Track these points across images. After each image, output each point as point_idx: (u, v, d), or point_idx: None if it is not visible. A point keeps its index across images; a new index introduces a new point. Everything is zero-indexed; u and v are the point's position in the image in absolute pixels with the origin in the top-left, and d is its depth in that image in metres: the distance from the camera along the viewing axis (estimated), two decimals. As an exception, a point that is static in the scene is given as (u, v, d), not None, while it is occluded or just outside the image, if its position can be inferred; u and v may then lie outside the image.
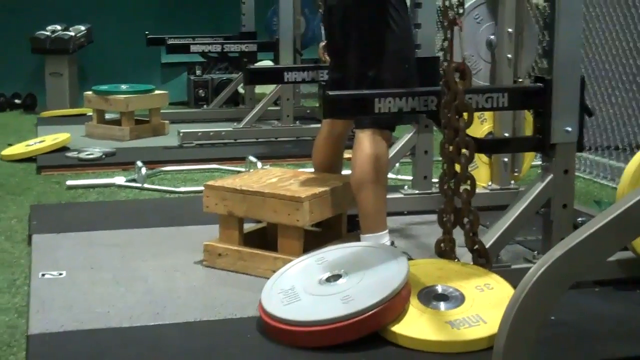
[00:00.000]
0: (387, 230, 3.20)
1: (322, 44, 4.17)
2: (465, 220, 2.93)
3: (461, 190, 2.96)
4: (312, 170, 3.75)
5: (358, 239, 3.26)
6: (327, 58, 3.78)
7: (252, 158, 5.07)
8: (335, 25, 3.35)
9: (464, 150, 2.90)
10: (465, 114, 2.92)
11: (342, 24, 3.29)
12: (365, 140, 3.19)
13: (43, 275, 3.23)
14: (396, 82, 3.14)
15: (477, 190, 4.07)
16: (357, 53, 3.24)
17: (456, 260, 2.98)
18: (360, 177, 3.17)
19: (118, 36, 7.86)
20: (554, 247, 2.10)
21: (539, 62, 4.24)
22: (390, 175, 4.51)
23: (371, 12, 3.19)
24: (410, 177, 4.22)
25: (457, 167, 2.95)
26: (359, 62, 3.23)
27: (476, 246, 2.92)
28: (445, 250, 2.98)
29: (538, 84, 3.09)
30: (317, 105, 4.11)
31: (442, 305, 2.70)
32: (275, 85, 6.33)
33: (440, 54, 3.07)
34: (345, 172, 3.53)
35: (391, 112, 2.97)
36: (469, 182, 2.94)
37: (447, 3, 2.93)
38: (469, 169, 4.13)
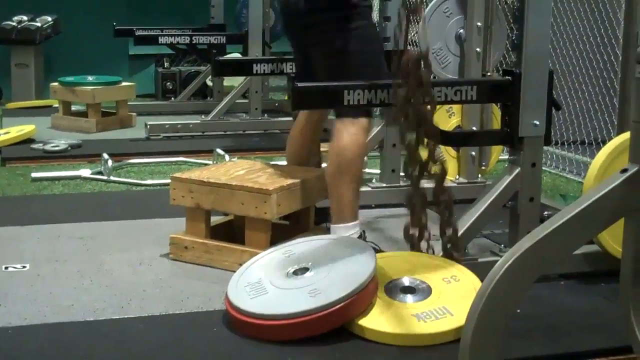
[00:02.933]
0: (358, 221, 3.20)
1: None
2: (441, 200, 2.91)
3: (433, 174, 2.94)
4: (282, 163, 3.73)
5: (326, 232, 3.25)
6: None
7: (219, 151, 5.05)
8: (294, 23, 3.33)
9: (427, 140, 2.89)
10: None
11: (302, 24, 3.27)
12: (343, 130, 3.16)
13: (6, 268, 3.19)
14: (366, 74, 3.11)
15: (447, 184, 4.11)
16: (322, 62, 3.22)
17: (428, 246, 2.96)
18: (336, 166, 3.15)
19: (85, 27, 7.78)
20: (522, 239, 2.11)
21: (508, 55, 4.26)
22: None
23: (334, 20, 3.17)
24: (379, 171, 4.21)
25: (423, 155, 2.93)
26: (325, 71, 3.20)
27: (449, 232, 2.91)
28: (414, 239, 2.96)
29: (507, 77, 3.09)
30: (286, 98, 4.09)
31: (408, 297, 2.69)
32: (243, 78, 6.30)
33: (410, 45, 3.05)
34: (324, 165, 3.51)
35: (360, 104, 2.95)
36: (439, 167, 2.92)
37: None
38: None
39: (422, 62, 2.86)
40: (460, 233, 3.02)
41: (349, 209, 3.16)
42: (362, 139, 3.18)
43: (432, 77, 3.03)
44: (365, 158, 4.56)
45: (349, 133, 3.15)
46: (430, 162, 2.92)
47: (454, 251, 2.90)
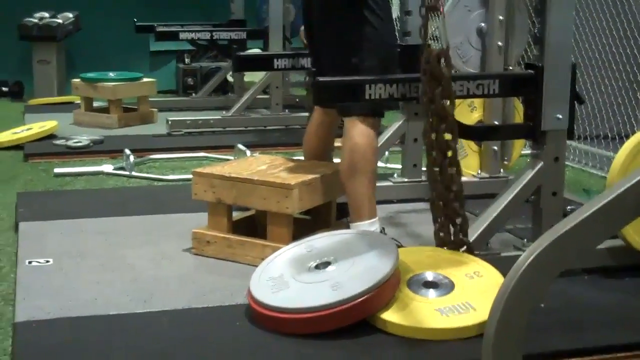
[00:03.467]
0: (377, 218, 3.20)
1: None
2: (452, 206, 2.91)
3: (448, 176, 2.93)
4: (302, 158, 3.73)
5: (347, 227, 3.26)
6: None
7: (240, 146, 5.05)
8: (312, 9, 3.33)
9: (448, 136, 2.88)
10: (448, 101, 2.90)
11: (319, 7, 3.27)
12: (353, 129, 3.18)
13: (30, 262, 3.21)
14: (379, 69, 3.11)
15: (467, 179, 4.11)
16: (336, 38, 3.22)
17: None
18: (349, 165, 3.17)
19: (106, 23, 7.82)
20: (544, 234, 2.10)
21: (530, 49, 4.24)
22: (379, 163, 4.50)
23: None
24: (400, 166, 4.21)
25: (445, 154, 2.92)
26: (340, 47, 3.21)
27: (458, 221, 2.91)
28: (445, 239, 2.95)
29: (529, 71, 3.08)
30: (306, 93, 4.10)
31: (431, 292, 2.69)
32: (264, 74, 6.30)
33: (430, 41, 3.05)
34: (336, 160, 3.51)
35: (382, 99, 2.95)
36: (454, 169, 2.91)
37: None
38: (460, 156, 4.16)
39: (442, 59, 2.85)
40: (482, 228, 3.02)
41: (366, 206, 3.17)
42: (372, 137, 3.19)
43: (453, 71, 3.02)
44: (387, 153, 4.58)
45: (359, 131, 3.16)
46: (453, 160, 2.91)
47: (464, 238, 2.88)
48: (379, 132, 3.34)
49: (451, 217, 2.91)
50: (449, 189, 2.90)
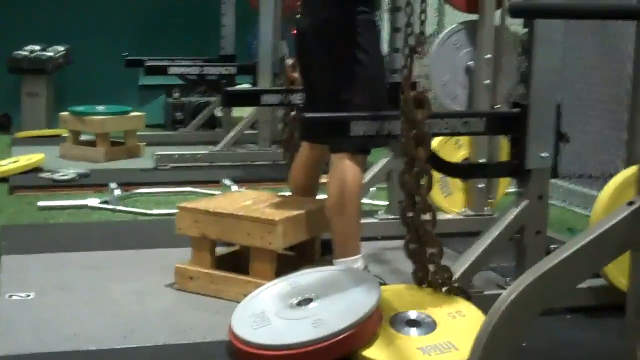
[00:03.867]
0: (360, 255, 3.19)
1: (290, 61, 4.16)
2: (429, 252, 2.89)
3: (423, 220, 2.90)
4: (289, 194, 3.73)
5: (331, 263, 3.25)
6: (295, 76, 3.79)
7: (226, 181, 5.05)
8: (306, 47, 3.35)
9: (422, 181, 2.86)
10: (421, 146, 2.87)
11: (312, 45, 3.29)
12: (340, 165, 3.18)
13: (10, 296, 3.19)
14: (369, 105, 3.13)
15: (452, 216, 4.11)
16: (328, 75, 3.24)
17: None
18: (334, 202, 3.17)
19: (97, 57, 7.84)
20: (527, 272, 2.10)
21: (516, 88, 4.27)
22: (365, 200, 4.51)
23: (340, 33, 3.19)
24: (386, 202, 4.21)
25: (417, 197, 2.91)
26: (330, 84, 3.23)
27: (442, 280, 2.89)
28: (423, 278, 2.94)
29: (515, 109, 3.09)
30: (282, 128, 4.12)
31: (413, 331, 2.68)
32: (252, 109, 6.32)
33: (417, 79, 3.06)
34: (321, 196, 3.51)
35: (367, 136, 2.96)
36: (429, 213, 2.88)
37: (408, 30, 2.89)
38: (442, 196, 4.16)
39: (420, 102, 2.84)
40: (466, 266, 3.02)
41: (351, 243, 3.17)
42: (359, 174, 3.20)
43: (440, 109, 3.03)
44: (373, 189, 4.58)
45: (347, 167, 3.16)
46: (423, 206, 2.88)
47: (446, 284, 2.87)
48: (364, 168, 3.34)
49: (428, 260, 2.90)
50: (422, 234, 2.88)
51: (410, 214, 2.89)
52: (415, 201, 2.87)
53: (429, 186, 2.85)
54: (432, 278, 2.89)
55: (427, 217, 2.85)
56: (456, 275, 2.94)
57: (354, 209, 3.17)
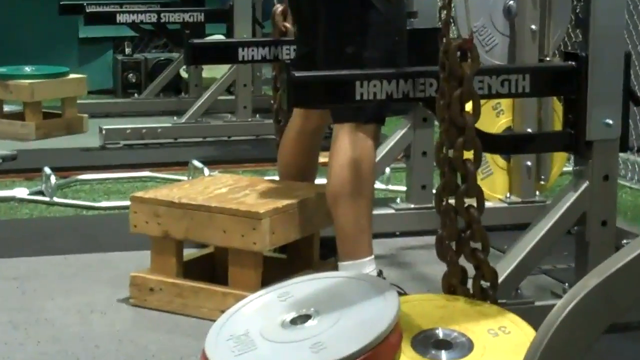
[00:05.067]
0: (372, 256, 3.20)
1: (279, 7, 4.15)
2: (471, 247, 2.91)
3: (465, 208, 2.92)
4: (276, 178, 3.74)
5: (334, 269, 3.25)
6: (287, 26, 3.78)
7: (196, 163, 5.05)
8: None
9: (468, 154, 2.87)
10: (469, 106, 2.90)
11: None
12: (345, 139, 3.18)
13: None
14: (382, 61, 3.13)
15: (492, 204, 4.12)
16: (331, 23, 3.23)
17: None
18: (338, 187, 3.17)
19: (23, 4, 7.81)
20: (588, 274, 2.10)
21: (572, 34, 4.27)
22: (378, 184, 4.51)
23: None
24: (404, 187, 4.21)
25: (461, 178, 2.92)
26: (333, 34, 3.23)
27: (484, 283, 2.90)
28: (456, 287, 2.95)
29: (570, 62, 3.09)
30: (273, 93, 4.12)
31: (443, 354, 2.68)
32: (228, 67, 6.31)
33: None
34: (320, 180, 3.52)
35: (377, 100, 2.96)
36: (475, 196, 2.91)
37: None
38: (478, 177, 4.16)
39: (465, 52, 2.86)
40: (510, 269, 3.02)
41: (360, 240, 3.17)
42: (370, 149, 3.19)
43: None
44: (388, 170, 4.58)
45: (353, 141, 3.16)
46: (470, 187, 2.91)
47: (491, 292, 2.89)
48: (378, 143, 3.34)
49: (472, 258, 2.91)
50: (466, 226, 2.89)
51: (448, 199, 2.90)
52: (456, 182, 2.88)
53: (478, 161, 2.86)
54: (473, 284, 2.89)
55: (472, 201, 2.87)
56: (499, 280, 2.94)
57: (365, 196, 3.18)
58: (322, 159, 3.62)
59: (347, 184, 3.16)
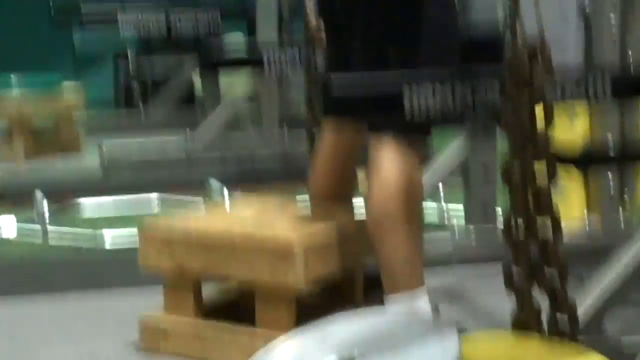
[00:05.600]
0: (424, 287, 3.20)
1: (313, 18, 4.15)
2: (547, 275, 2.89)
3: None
4: (308, 199, 3.73)
5: (381, 304, 3.24)
6: (321, 36, 3.79)
7: (214, 183, 5.06)
8: None
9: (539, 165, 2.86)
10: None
11: None
12: (387, 155, 3.18)
13: None
14: (430, 64, 3.13)
15: (568, 226, 4.10)
16: (372, 20, 3.24)
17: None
18: (382, 212, 3.17)
19: (9, 5, 7.87)
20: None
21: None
22: (429, 203, 4.50)
23: None
24: (461, 207, 4.20)
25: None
26: (374, 33, 3.23)
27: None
28: (529, 322, 2.93)
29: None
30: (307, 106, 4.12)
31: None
32: (249, 75, 6.33)
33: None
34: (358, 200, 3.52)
35: (429, 108, 2.96)
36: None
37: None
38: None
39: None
40: (593, 301, 3.01)
41: (408, 270, 3.18)
42: (417, 165, 3.19)
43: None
44: (440, 186, 4.57)
45: (396, 156, 3.15)
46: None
47: (570, 327, 2.87)
48: (426, 157, 3.33)
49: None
50: (540, 249, 2.88)
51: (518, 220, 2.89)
52: (528, 200, 2.87)
53: (553, 176, 2.85)
54: (548, 318, 2.88)
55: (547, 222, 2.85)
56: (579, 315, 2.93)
57: (414, 220, 3.18)
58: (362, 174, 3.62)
59: (391, 208, 3.16)
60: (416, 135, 3.21)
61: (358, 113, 3.35)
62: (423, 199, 3.31)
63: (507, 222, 2.94)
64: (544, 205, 2.88)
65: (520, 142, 2.89)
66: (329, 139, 3.59)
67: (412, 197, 3.18)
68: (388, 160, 3.18)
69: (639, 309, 3.45)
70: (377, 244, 3.20)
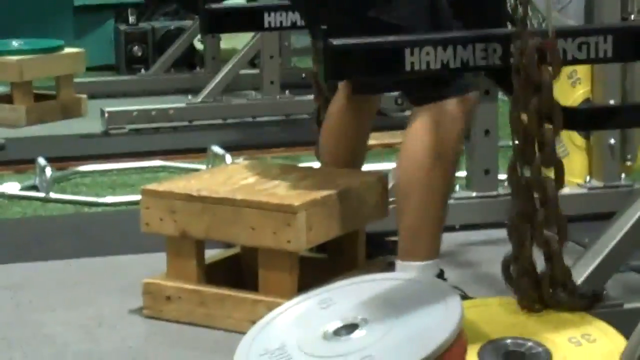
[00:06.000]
0: (437, 260, 3.22)
1: None
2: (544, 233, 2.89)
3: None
4: (315, 164, 3.74)
5: (383, 270, 3.25)
6: None
7: (216, 149, 5.06)
8: None
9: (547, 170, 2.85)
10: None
11: None
12: (425, 118, 3.15)
13: None
14: (416, 21, 3.13)
15: (570, 190, 4.10)
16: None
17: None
18: (412, 177, 3.17)
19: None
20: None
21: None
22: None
23: None
24: (464, 173, 4.20)
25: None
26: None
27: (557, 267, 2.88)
28: (532, 286, 2.93)
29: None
30: (314, 67, 4.10)
31: (516, 367, 2.69)
32: (251, 36, 6.31)
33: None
34: (369, 166, 3.51)
35: (430, 70, 2.96)
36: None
37: None
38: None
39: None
40: (593, 267, 3.01)
41: (427, 241, 3.19)
42: (458, 132, 3.17)
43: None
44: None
45: (437, 121, 3.14)
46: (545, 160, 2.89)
47: (567, 295, 2.87)
48: (469, 120, 3.32)
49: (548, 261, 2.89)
50: (540, 204, 2.87)
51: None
52: (532, 207, 2.87)
53: (561, 183, 2.84)
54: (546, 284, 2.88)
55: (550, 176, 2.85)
56: (579, 280, 2.93)
57: (444, 190, 3.19)
58: (373, 141, 3.62)
59: (424, 174, 3.15)
60: (461, 96, 3.19)
61: (359, 78, 3.36)
62: (454, 171, 3.28)
63: (513, 226, 2.93)
64: (547, 157, 2.86)
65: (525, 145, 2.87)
66: (340, 102, 3.58)
67: (447, 166, 3.18)
68: (427, 125, 3.16)
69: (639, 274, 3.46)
70: (401, 209, 3.20)
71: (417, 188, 3.16)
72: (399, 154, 3.22)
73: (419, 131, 3.16)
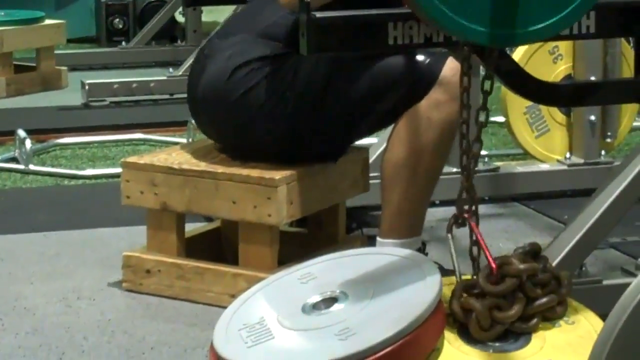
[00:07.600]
0: (419, 237, 3.23)
1: None
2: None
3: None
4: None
5: (363, 244, 3.26)
6: None
7: (197, 122, 5.07)
8: None
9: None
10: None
11: None
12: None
13: None
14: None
15: (550, 166, 4.11)
16: None
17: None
18: (403, 155, 3.18)
19: None
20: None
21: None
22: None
23: None
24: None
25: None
26: None
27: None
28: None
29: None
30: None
31: (496, 345, 2.69)
32: (232, 9, 6.29)
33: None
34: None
35: (413, 44, 2.96)
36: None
37: None
38: (532, 135, 4.16)
39: None
40: (573, 243, 3.02)
41: (411, 218, 3.20)
42: (450, 109, 3.15)
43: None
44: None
45: (434, 102, 3.15)
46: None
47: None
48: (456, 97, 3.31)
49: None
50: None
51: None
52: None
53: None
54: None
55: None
56: (558, 258, 2.94)
57: (436, 169, 3.20)
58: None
59: (415, 153, 3.16)
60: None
61: (342, 51, 3.36)
62: (445, 151, 3.27)
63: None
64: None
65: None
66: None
67: (442, 145, 3.18)
68: (425, 105, 3.18)
69: (619, 251, 3.47)
70: (387, 187, 3.21)
71: (406, 170, 3.17)
72: (392, 132, 3.22)
73: (416, 111, 3.17)
